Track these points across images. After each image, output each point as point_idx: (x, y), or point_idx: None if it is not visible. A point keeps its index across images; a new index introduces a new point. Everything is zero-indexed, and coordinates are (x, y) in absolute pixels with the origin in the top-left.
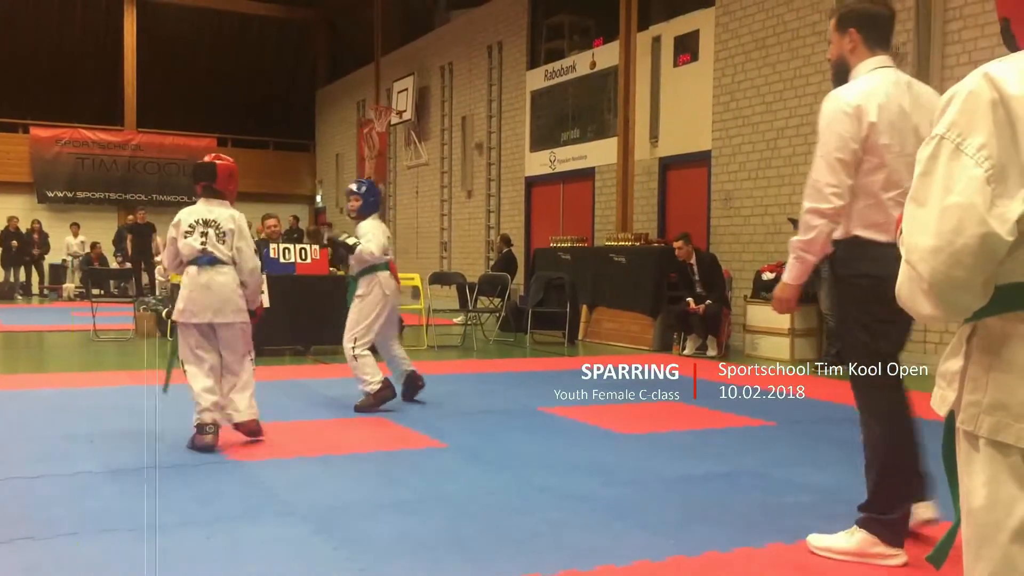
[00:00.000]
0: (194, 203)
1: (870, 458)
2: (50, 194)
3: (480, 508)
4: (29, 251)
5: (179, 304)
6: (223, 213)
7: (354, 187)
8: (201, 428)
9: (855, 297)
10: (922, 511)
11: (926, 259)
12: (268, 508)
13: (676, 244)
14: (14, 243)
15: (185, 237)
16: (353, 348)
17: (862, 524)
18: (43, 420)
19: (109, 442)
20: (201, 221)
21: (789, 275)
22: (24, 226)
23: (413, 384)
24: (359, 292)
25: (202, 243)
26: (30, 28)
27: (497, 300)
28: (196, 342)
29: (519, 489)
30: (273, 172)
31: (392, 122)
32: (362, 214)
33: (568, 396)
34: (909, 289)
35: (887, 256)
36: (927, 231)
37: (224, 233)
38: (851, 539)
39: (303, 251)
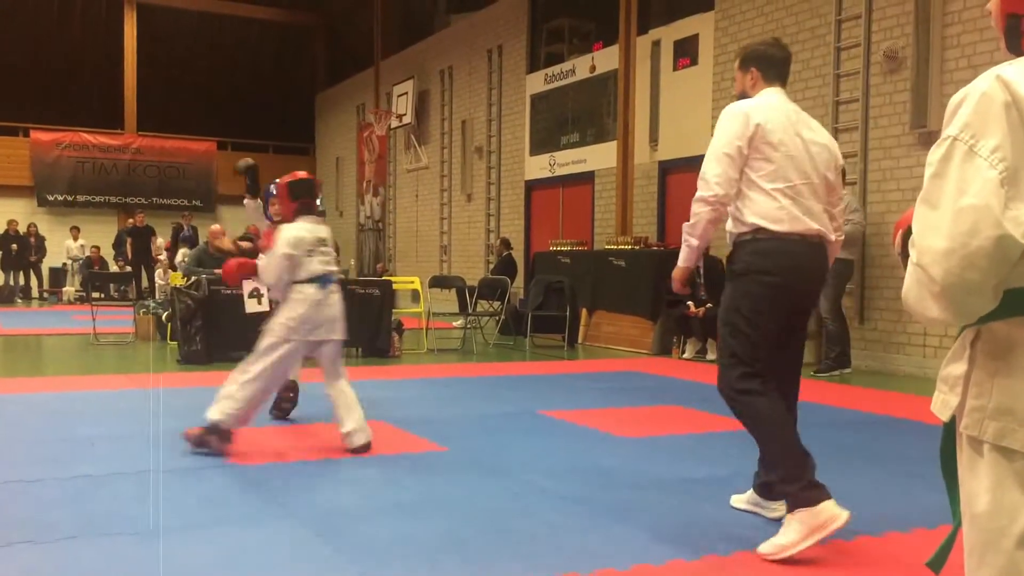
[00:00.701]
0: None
1: (764, 437)
2: (50, 197)
3: (479, 511)
4: (28, 255)
5: (291, 322)
6: (326, 231)
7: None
8: (226, 432)
9: (745, 289)
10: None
11: (938, 261)
12: (269, 511)
13: None
14: (13, 246)
15: (309, 255)
16: None
17: (792, 508)
18: (43, 423)
19: (109, 445)
20: (318, 240)
21: (680, 258)
22: (22, 230)
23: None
24: None
25: (326, 263)
26: (31, 32)
27: (497, 304)
28: (294, 358)
29: (519, 492)
30: (273, 176)
31: (392, 126)
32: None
33: (567, 399)
34: (918, 292)
35: (778, 249)
36: (940, 233)
37: (331, 251)
38: (794, 527)
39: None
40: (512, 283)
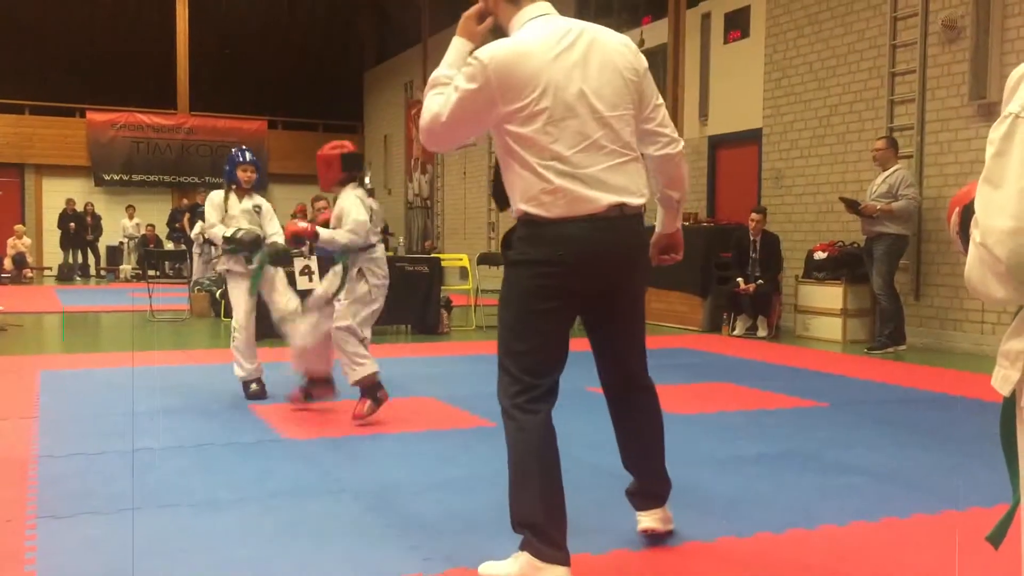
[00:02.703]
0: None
1: (517, 469)
2: (107, 177)
3: None
4: (86, 233)
5: (371, 282)
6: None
7: (250, 156)
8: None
9: (516, 282)
10: (647, 520)
11: (1003, 241)
12: (321, 486)
13: (754, 217)
14: (72, 225)
15: (371, 222)
16: None
17: (523, 548)
18: (104, 398)
19: (168, 419)
20: (371, 208)
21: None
22: (80, 209)
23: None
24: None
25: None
26: (85, 15)
27: None
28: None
29: (568, 469)
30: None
31: None
32: (257, 185)
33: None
34: (981, 273)
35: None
36: (1004, 213)
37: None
38: (518, 564)
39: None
40: None
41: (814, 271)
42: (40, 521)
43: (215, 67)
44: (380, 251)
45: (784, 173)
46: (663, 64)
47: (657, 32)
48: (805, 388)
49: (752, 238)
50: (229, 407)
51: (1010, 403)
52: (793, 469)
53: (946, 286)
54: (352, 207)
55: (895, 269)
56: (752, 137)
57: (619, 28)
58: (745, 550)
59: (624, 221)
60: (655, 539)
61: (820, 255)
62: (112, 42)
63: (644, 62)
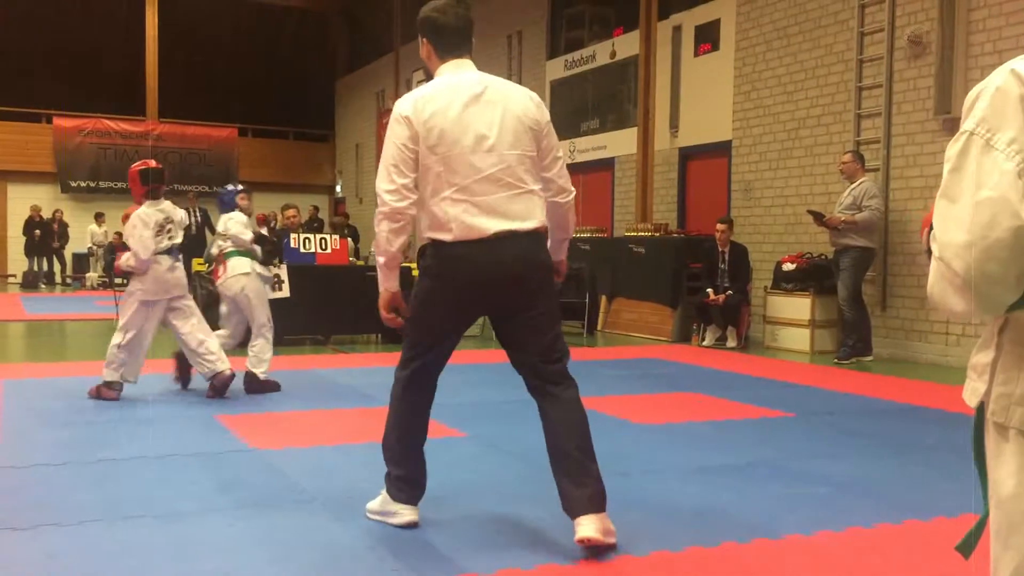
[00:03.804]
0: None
1: (390, 420)
2: (73, 184)
3: (496, 497)
4: (52, 241)
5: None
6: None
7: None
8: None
9: (418, 295)
10: (583, 527)
11: (960, 255)
12: (288, 496)
13: (719, 227)
14: (37, 232)
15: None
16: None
17: (385, 488)
18: (67, 408)
19: (133, 429)
20: (165, 219)
21: (381, 284)
22: (47, 216)
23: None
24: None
25: (170, 238)
26: (53, 19)
27: None
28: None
29: (536, 478)
30: (293, 162)
31: None
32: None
33: (586, 386)
34: (940, 287)
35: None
36: (960, 226)
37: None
38: (378, 501)
39: (323, 241)
40: None
41: (782, 282)
42: (0, 533)
43: (184, 73)
44: (163, 262)
45: (753, 185)
46: (634, 76)
47: (628, 44)
48: (772, 398)
49: (720, 249)
50: (195, 417)
51: (980, 414)
52: (759, 479)
53: (912, 298)
54: (136, 223)
55: (861, 281)
56: (722, 149)
57: (590, 40)
58: (711, 560)
59: (511, 241)
60: (648, 545)
61: (789, 266)
62: (79, 47)
63: (547, 115)
